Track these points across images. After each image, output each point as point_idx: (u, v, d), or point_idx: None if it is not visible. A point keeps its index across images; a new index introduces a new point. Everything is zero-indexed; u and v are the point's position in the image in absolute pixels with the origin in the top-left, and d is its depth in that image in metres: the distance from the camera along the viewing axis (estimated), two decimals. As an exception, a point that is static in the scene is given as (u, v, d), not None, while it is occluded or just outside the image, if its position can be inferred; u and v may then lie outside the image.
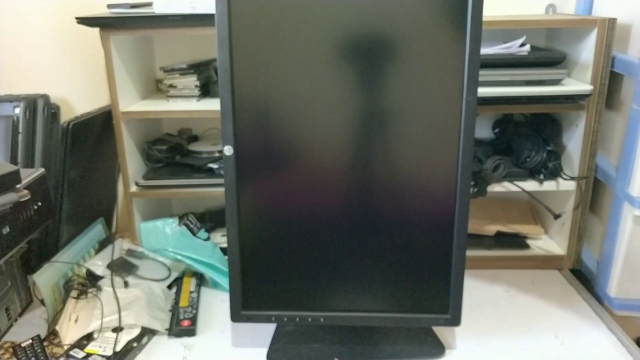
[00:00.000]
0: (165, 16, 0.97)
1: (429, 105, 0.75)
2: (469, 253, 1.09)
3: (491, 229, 1.18)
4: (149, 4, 1.01)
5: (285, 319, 0.84)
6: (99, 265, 1.04)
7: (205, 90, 1.16)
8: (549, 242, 1.16)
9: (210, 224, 1.24)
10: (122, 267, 1.04)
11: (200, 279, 1.07)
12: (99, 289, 0.98)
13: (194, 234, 1.10)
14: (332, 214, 0.80)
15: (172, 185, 1.12)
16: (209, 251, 1.08)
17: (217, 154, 1.17)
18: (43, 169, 0.94)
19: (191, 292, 1.02)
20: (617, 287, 0.98)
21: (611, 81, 0.98)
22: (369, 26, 0.72)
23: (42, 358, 0.82)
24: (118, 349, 0.84)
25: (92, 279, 1.00)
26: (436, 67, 0.74)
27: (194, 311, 0.96)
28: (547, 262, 1.11)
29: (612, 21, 0.94)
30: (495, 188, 1.05)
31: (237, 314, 0.84)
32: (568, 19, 1.02)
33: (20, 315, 0.98)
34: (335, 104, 0.76)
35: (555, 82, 0.99)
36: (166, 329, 0.91)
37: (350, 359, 0.84)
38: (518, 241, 1.16)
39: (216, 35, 0.72)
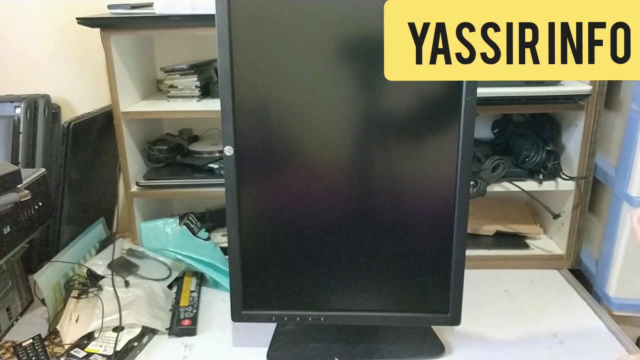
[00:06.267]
0: (166, 17, 0.97)
1: (428, 105, 0.76)
2: (469, 253, 1.09)
3: (490, 228, 1.18)
4: (150, 5, 1.01)
5: (286, 318, 0.84)
6: (99, 264, 1.04)
7: (206, 91, 1.16)
8: (548, 242, 1.17)
9: (210, 224, 1.24)
10: (123, 267, 1.04)
11: (201, 279, 1.07)
12: (100, 288, 0.98)
13: (194, 233, 1.10)
14: (332, 213, 0.80)
15: (172, 185, 1.12)
16: (210, 251, 1.08)
17: (217, 154, 1.17)
18: (44, 169, 0.94)
19: (192, 291, 1.02)
20: (616, 287, 0.99)
21: (610, 81, 0.98)
22: (369, 27, 0.73)
23: (42, 357, 0.83)
24: (119, 348, 0.84)
25: (93, 279, 1.01)
26: (436, 68, 0.74)
27: (195, 311, 0.96)
28: (546, 261, 1.12)
29: (611, 22, 0.94)
30: (495, 188, 1.05)
31: (238, 314, 0.84)
32: (567, 20, 1.02)
33: (21, 314, 0.99)
34: (335, 104, 0.76)
35: (555, 82, 0.99)
36: (167, 329, 0.92)
37: (350, 359, 0.84)
38: (517, 241, 1.17)
39: (216, 36, 0.73)
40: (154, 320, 0.91)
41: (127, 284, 1.00)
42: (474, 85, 0.73)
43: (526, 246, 1.15)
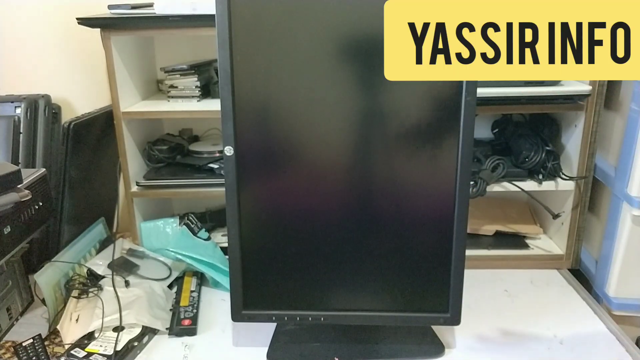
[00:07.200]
0: (166, 17, 0.97)
1: (428, 105, 0.76)
2: (468, 252, 1.09)
3: (490, 228, 1.18)
4: (150, 5, 1.01)
5: (286, 318, 0.84)
6: (99, 264, 1.04)
7: (206, 91, 1.16)
8: (548, 242, 1.17)
9: (210, 224, 1.24)
10: (123, 267, 1.04)
11: (201, 279, 1.08)
12: (100, 288, 0.98)
13: (194, 233, 1.10)
14: (332, 213, 0.80)
15: (172, 185, 1.12)
16: (210, 251, 1.08)
17: (217, 154, 1.17)
18: (44, 169, 0.94)
19: (192, 291, 1.02)
20: (616, 287, 0.99)
21: (610, 81, 0.98)
22: (369, 27, 0.73)
23: (43, 357, 0.83)
24: (119, 348, 0.84)
25: (93, 279, 1.01)
26: (436, 68, 0.74)
27: (195, 310, 0.96)
28: (546, 261, 1.12)
29: (611, 22, 0.94)
30: (495, 188, 1.05)
31: (238, 314, 0.84)
32: (567, 20, 1.02)
33: (22, 314, 0.99)
34: (335, 104, 0.76)
35: (554, 82, 0.99)
36: (167, 328, 0.92)
37: (350, 358, 0.84)
38: (517, 241, 1.17)
39: (217, 36, 0.73)
40: (154, 320, 0.91)
41: (127, 283, 1.00)
42: (474, 85, 0.73)
43: (526, 246, 1.15)
